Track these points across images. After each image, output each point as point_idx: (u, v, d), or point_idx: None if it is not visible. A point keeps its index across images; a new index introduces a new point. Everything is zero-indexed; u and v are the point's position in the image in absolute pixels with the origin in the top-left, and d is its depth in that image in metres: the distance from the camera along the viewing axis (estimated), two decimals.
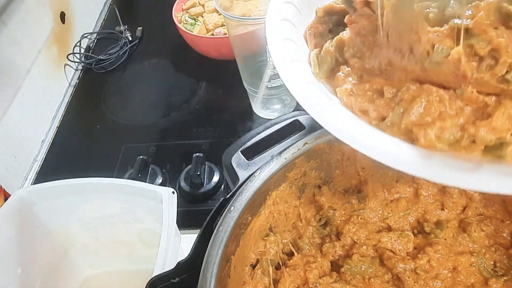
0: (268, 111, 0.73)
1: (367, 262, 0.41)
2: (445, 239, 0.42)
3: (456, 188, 0.44)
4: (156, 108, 0.80)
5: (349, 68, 0.31)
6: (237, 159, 0.42)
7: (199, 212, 0.63)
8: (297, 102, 0.72)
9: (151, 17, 1.00)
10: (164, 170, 0.68)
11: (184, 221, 0.57)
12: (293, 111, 0.73)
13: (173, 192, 0.47)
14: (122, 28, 0.95)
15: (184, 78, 0.85)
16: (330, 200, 0.44)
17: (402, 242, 0.41)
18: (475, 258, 0.40)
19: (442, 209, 0.44)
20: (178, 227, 0.47)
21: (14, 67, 0.73)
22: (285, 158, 0.39)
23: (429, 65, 0.26)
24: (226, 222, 0.35)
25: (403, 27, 0.27)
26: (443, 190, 0.44)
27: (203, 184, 0.64)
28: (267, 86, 0.66)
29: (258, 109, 0.74)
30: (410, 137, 0.27)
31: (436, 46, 0.25)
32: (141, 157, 0.67)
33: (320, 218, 0.45)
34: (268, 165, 0.39)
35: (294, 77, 0.30)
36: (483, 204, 0.43)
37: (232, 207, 0.36)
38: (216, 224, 0.35)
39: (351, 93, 0.29)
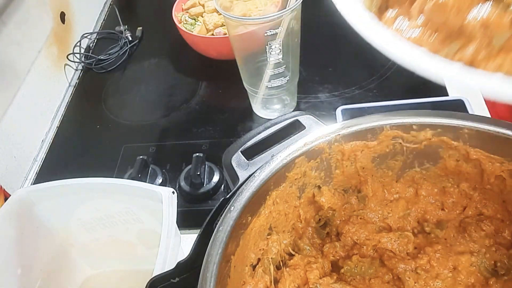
0: (268, 111, 0.73)
1: (367, 263, 0.41)
2: (445, 239, 0.42)
3: (456, 188, 0.44)
4: (156, 108, 0.80)
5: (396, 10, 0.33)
6: (237, 159, 0.42)
7: (199, 212, 0.63)
8: (297, 102, 0.73)
9: (151, 17, 1.00)
10: (164, 170, 0.68)
11: (184, 221, 0.57)
12: (293, 111, 0.73)
13: (173, 192, 0.47)
14: (122, 28, 0.94)
15: (184, 78, 0.85)
16: (330, 200, 0.44)
17: (402, 242, 0.41)
18: (475, 258, 0.40)
19: (442, 209, 0.44)
20: (178, 227, 0.47)
21: (14, 67, 0.73)
22: (285, 158, 0.39)
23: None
24: (226, 222, 0.35)
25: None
26: (443, 190, 0.44)
27: (203, 184, 0.64)
28: (267, 86, 0.66)
29: (258, 109, 0.74)
30: None
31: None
32: (141, 157, 0.66)
33: (320, 219, 0.45)
34: (268, 165, 0.39)
35: (352, 7, 0.33)
36: (483, 204, 0.43)
37: (232, 207, 0.36)
38: (216, 224, 0.35)
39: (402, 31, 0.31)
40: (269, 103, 0.72)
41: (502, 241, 0.41)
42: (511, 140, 0.37)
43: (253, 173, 0.38)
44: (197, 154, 0.65)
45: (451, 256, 0.40)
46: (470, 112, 0.64)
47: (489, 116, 0.66)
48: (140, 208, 0.51)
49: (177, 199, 0.46)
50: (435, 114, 0.40)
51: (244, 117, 0.74)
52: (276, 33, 0.59)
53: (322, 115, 0.72)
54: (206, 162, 0.65)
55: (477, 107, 0.66)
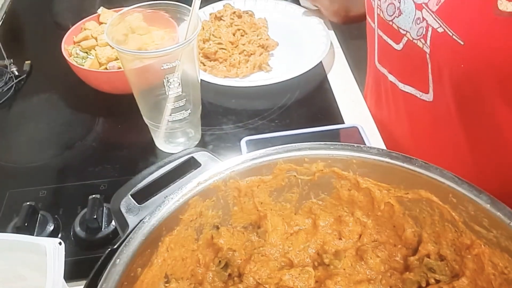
0: (172, 145, 0.71)
1: None
2: (344, 269, 0.42)
3: (351, 216, 0.45)
4: (46, 147, 0.73)
5: None
6: (126, 203, 0.39)
7: (97, 260, 0.57)
8: (201, 134, 0.71)
9: (41, 50, 0.94)
10: (56, 216, 0.61)
11: (78, 272, 0.52)
12: (198, 143, 0.72)
13: (59, 243, 0.42)
14: (6, 62, 0.87)
15: (78, 114, 0.79)
16: (229, 241, 0.42)
17: (303, 278, 0.41)
18: (372, 285, 0.41)
19: (340, 239, 0.45)
20: (69, 279, 0.43)
21: None
22: (178, 200, 0.37)
23: None
24: (110, 278, 0.32)
25: None
26: (339, 219, 0.45)
27: (101, 228, 0.59)
28: (168, 120, 0.64)
29: (161, 144, 0.71)
30: None
31: None
32: (28, 203, 0.60)
33: (220, 261, 0.43)
34: (159, 208, 0.36)
35: None
36: (377, 230, 0.44)
37: (118, 260, 0.33)
38: (100, 280, 0.32)
39: None
40: (173, 136, 0.70)
41: (396, 265, 0.43)
42: (394, 168, 0.39)
43: (142, 219, 0.36)
44: (94, 195, 0.60)
45: (351, 286, 0.41)
46: (364, 138, 0.67)
47: (382, 141, 0.70)
48: (21, 264, 0.45)
49: (72, 247, 0.42)
50: (325, 146, 0.41)
51: (146, 152, 0.71)
52: (174, 67, 0.57)
53: (227, 146, 0.72)
54: (104, 204, 0.61)
55: (370, 133, 0.70)
